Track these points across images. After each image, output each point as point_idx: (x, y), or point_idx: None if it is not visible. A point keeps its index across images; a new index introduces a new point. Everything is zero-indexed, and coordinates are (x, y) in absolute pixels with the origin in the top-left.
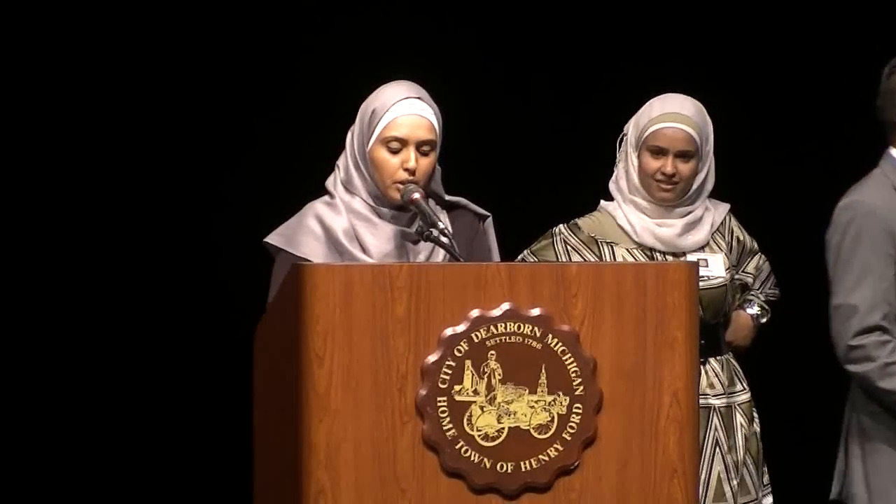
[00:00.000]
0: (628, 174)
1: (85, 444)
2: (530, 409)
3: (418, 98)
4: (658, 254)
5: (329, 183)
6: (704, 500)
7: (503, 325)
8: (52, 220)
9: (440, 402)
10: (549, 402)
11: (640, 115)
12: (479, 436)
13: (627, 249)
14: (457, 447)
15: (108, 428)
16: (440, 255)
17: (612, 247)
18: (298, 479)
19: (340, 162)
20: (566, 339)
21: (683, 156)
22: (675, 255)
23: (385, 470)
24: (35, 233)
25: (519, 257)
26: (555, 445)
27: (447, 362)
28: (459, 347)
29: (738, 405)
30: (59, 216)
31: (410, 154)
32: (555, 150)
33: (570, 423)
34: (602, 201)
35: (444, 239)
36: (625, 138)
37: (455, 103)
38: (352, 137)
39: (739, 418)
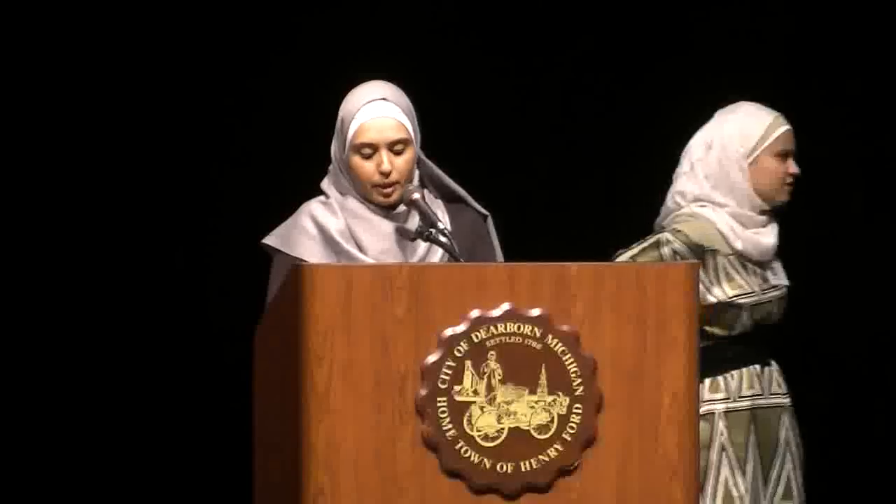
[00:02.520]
0: (735, 185)
1: (85, 444)
2: (530, 410)
3: (383, 99)
4: (747, 261)
5: (324, 184)
6: (773, 499)
7: (503, 325)
8: (50, 226)
9: (440, 402)
10: (549, 403)
11: (742, 125)
12: (479, 436)
13: (725, 256)
14: (457, 447)
15: (108, 428)
16: (438, 252)
17: (714, 255)
18: (298, 479)
19: (331, 166)
20: (566, 339)
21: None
22: (761, 264)
23: (385, 470)
24: (31, 237)
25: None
26: (555, 445)
27: (447, 362)
28: (459, 348)
29: (790, 406)
30: (58, 221)
31: (383, 157)
32: (550, 148)
33: (570, 424)
34: (692, 206)
35: (443, 239)
36: (714, 151)
37: (450, 101)
38: (333, 145)
39: (793, 419)
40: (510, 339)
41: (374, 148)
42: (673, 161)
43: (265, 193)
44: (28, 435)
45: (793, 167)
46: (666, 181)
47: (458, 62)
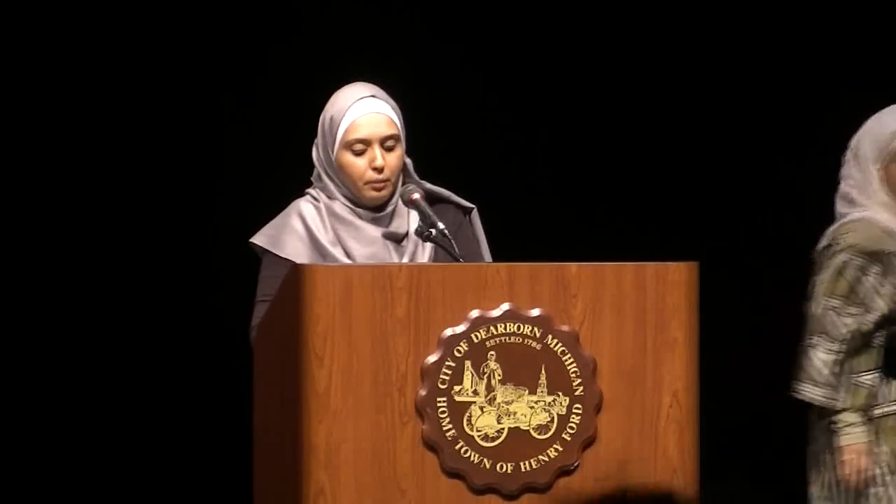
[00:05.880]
0: (874, 191)
1: (85, 444)
2: (530, 410)
3: (373, 96)
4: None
5: (311, 191)
6: None
7: (503, 325)
8: (50, 228)
9: (440, 402)
10: (549, 403)
11: (878, 130)
12: (478, 436)
13: (892, 253)
14: (457, 447)
15: (108, 429)
16: (425, 255)
17: (891, 256)
18: (298, 479)
19: (314, 177)
20: (566, 340)
21: None
22: None
23: (385, 470)
24: (31, 239)
25: (820, 307)
26: (555, 446)
27: (447, 363)
28: (459, 348)
29: None
30: (58, 223)
31: (376, 152)
32: (551, 148)
33: (570, 424)
34: (856, 212)
35: (443, 238)
36: (857, 157)
37: (447, 101)
38: (317, 150)
39: None
40: (510, 339)
41: (367, 144)
42: (667, 158)
43: (266, 193)
44: (29, 434)
45: None
46: (665, 177)
47: (456, 63)
